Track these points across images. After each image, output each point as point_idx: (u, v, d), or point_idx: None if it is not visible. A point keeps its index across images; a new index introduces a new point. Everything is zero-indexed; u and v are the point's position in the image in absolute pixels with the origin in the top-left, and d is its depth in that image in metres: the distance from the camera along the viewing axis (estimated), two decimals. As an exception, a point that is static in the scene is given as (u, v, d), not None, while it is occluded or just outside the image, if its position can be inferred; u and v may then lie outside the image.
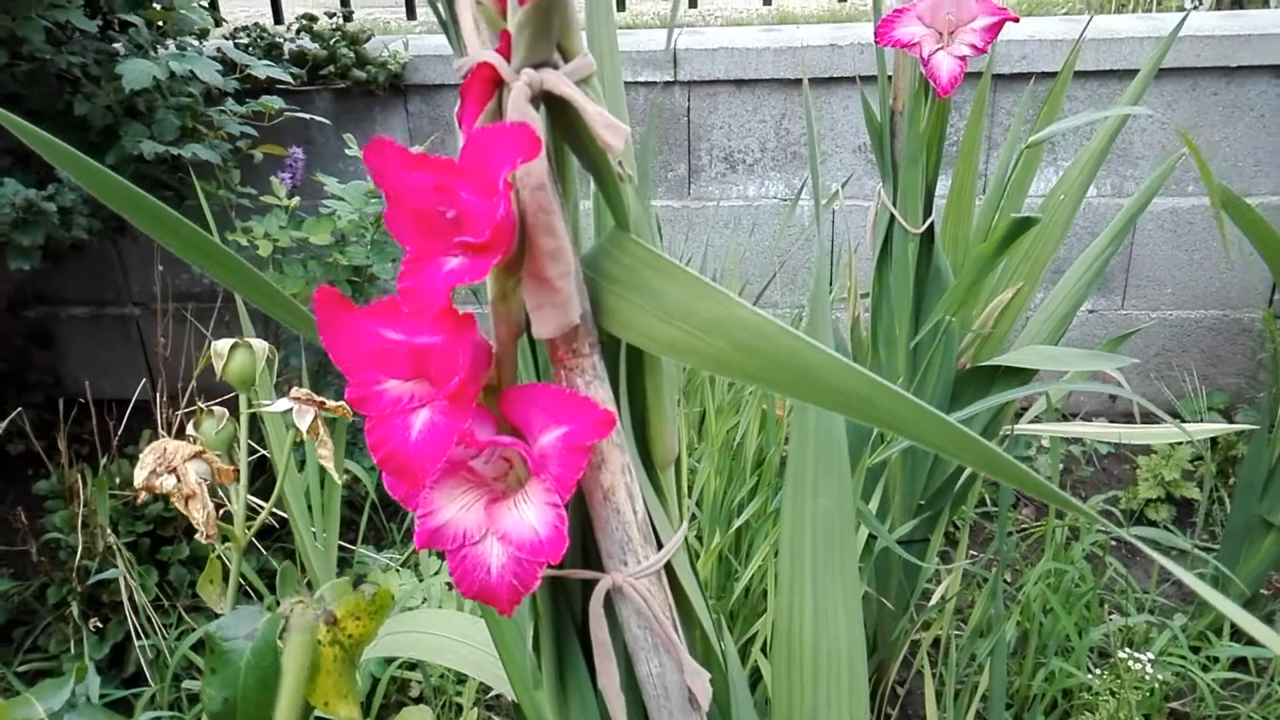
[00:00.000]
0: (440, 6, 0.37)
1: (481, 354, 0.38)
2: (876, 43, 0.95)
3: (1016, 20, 0.93)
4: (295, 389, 0.49)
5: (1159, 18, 1.80)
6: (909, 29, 0.94)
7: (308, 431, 0.49)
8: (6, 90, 1.39)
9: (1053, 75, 1.75)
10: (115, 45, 1.42)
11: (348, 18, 1.90)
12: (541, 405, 0.39)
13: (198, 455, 0.49)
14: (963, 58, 0.93)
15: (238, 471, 0.50)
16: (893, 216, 1.09)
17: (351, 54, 1.77)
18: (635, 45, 1.84)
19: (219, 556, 0.53)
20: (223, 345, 0.51)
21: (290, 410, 0.49)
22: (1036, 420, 1.29)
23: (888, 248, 1.13)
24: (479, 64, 0.35)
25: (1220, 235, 1.30)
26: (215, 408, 0.52)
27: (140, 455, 0.49)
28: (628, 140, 0.36)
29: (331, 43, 1.79)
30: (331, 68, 1.78)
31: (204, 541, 0.47)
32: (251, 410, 0.52)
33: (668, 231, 1.96)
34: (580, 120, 0.36)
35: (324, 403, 0.50)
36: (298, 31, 1.81)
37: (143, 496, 0.51)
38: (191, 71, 1.27)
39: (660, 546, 0.43)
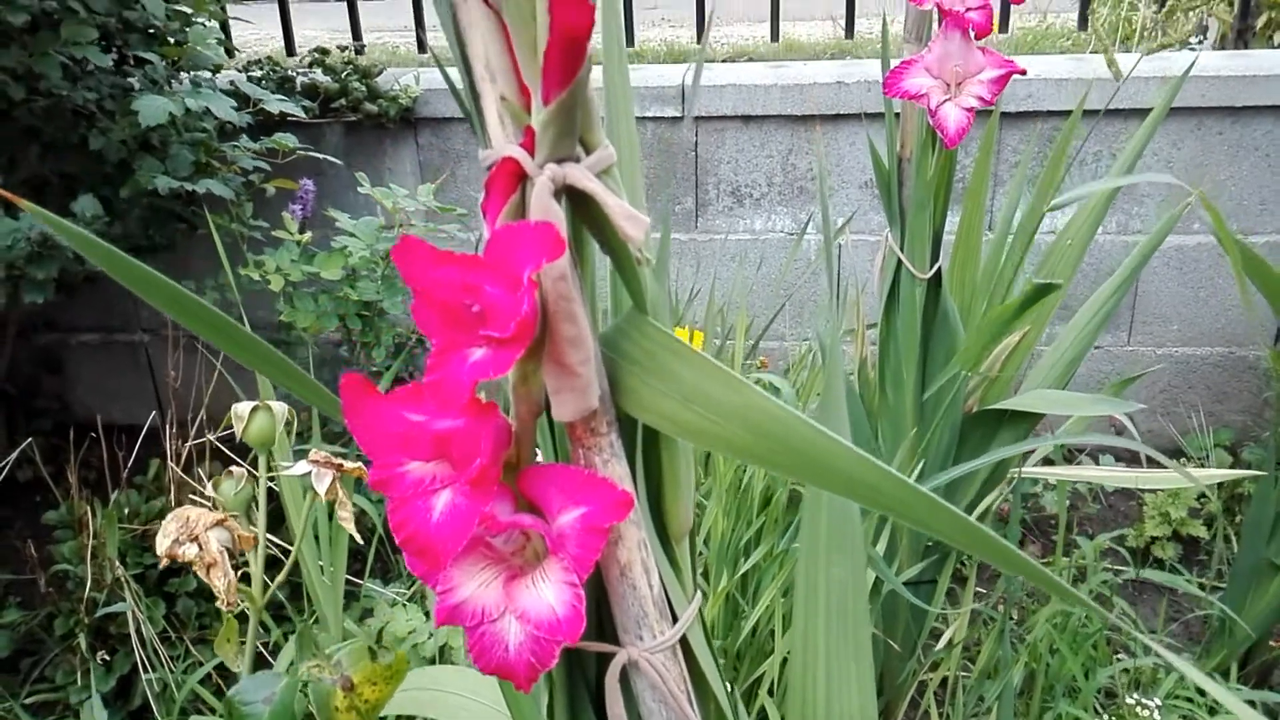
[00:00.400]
0: (465, 99, 0.38)
1: (503, 435, 0.39)
2: (885, 93, 0.96)
3: (1023, 73, 0.94)
4: (314, 451, 0.50)
5: (1165, 57, 1.82)
6: (917, 80, 0.95)
7: (325, 494, 0.50)
8: (24, 123, 1.41)
9: (1059, 114, 1.76)
10: (130, 79, 1.44)
11: (359, 51, 1.92)
12: (560, 485, 0.39)
13: (219, 523, 0.50)
14: (970, 109, 0.94)
15: (256, 539, 0.51)
16: (900, 261, 1.10)
17: (363, 88, 1.79)
18: (644, 81, 1.85)
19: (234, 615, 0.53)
20: (243, 408, 0.52)
21: (309, 474, 0.50)
22: (1045, 460, 1.29)
23: (895, 291, 1.13)
24: (504, 159, 0.36)
25: (1240, 291, 1.30)
26: (234, 468, 0.53)
27: (163, 522, 0.49)
28: (647, 230, 0.37)
29: (343, 76, 1.81)
30: (343, 101, 1.79)
31: (224, 610, 0.48)
32: (271, 475, 0.52)
33: (675, 264, 1.97)
34: (601, 211, 0.37)
35: (342, 465, 0.51)
36: (310, 65, 1.83)
37: (165, 554, 0.51)
38: (206, 108, 1.28)
39: (675, 619, 0.44)
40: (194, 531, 0.48)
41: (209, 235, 1.56)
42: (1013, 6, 2.04)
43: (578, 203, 0.38)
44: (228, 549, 0.48)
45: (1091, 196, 1.17)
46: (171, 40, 1.52)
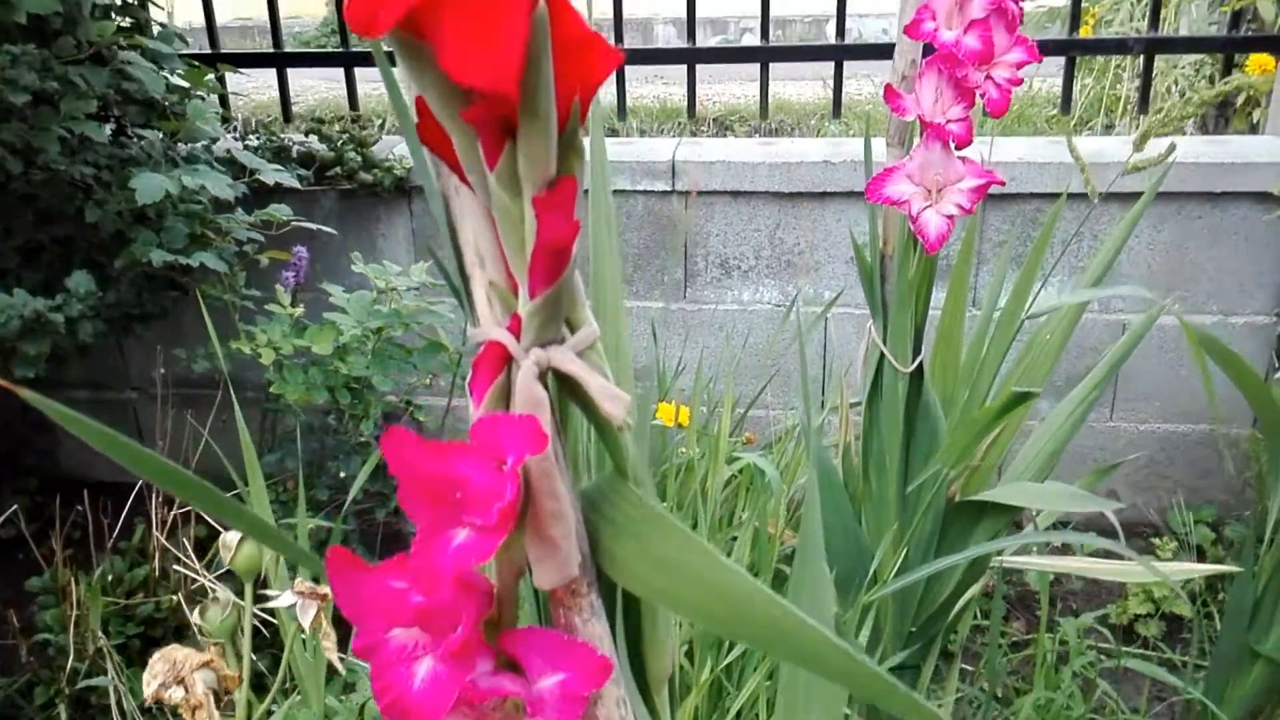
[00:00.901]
0: (455, 278, 0.40)
1: (484, 601, 0.40)
2: (867, 198, 0.99)
3: (1003, 184, 0.97)
4: (298, 581, 0.51)
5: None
6: (898, 187, 0.98)
7: (309, 626, 0.50)
8: (21, 192, 1.42)
9: (1041, 195, 1.80)
10: (128, 150, 1.46)
11: (355, 119, 1.95)
12: (540, 649, 0.40)
13: (205, 664, 0.51)
14: (950, 216, 0.97)
15: (241, 678, 0.52)
16: (883, 352, 1.12)
17: (358, 157, 1.81)
18: (635, 156, 1.89)
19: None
20: (231, 538, 0.53)
21: (294, 605, 0.50)
22: (1026, 545, 1.30)
23: (878, 381, 1.15)
24: (490, 342, 0.37)
25: (1204, 380, 1.33)
26: (220, 595, 0.54)
27: (151, 661, 0.50)
28: (629, 406, 0.38)
29: (339, 145, 1.83)
30: (338, 169, 1.82)
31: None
32: (258, 605, 0.53)
33: (663, 333, 1.99)
34: (583, 389, 0.38)
35: (326, 595, 0.52)
36: (306, 133, 1.86)
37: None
38: (203, 185, 1.30)
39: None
40: (180, 674, 0.49)
41: (203, 301, 1.58)
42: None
43: (563, 377, 0.39)
44: (214, 690, 0.49)
45: (1074, 292, 1.19)
46: (170, 113, 1.55)
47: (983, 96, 0.94)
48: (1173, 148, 1.09)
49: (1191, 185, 1.75)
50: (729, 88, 6.30)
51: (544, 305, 0.36)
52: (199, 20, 1.95)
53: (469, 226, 0.38)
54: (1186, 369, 1.88)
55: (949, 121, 0.96)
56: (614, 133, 2.50)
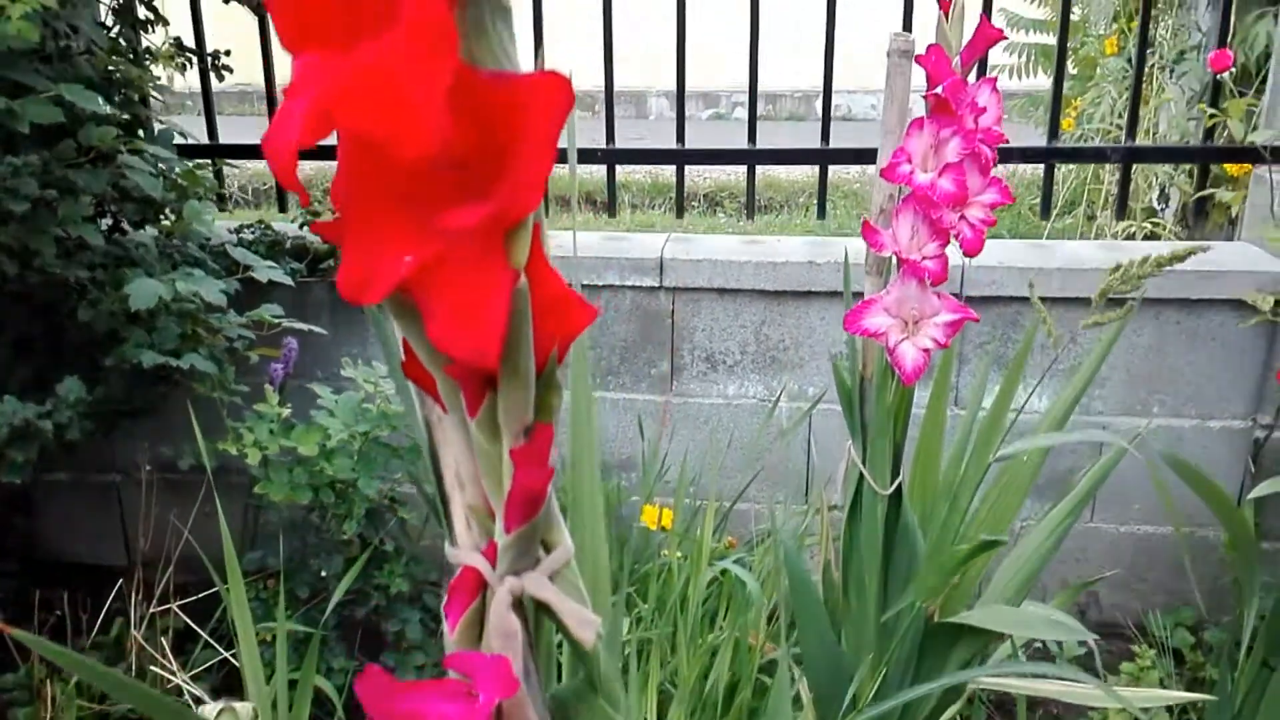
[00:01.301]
0: (435, 499, 0.42)
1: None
2: (845, 329, 1.01)
3: (976, 320, 0.99)
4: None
5: (1123, 247, 1.90)
6: (876, 319, 1.00)
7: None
8: (15, 290, 1.44)
9: (1020, 299, 1.83)
10: (123, 248, 1.48)
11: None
12: None
13: None
14: (926, 350, 0.99)
15: None
16: (862, 474, 1.14)
17: (351, 250, 1.84)
18: (624, 252, 1.92)
19: None
20: (210, 710, 0.54)
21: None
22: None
23: (858, 500, 1.17)
24: (466, 567, 0.39)
25: (1166, 506, 1.35)
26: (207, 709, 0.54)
27: None
28: (598, 627, 0.40)
29: (333, 236, 1.86)
30: (331, 261, 1.84)
31: None
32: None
33: (649, 424, 2.00)
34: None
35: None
36: (301, 225, 1.89)
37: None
38: (196, 292, 1.32)
39: None
40: None
41: (192, 394, 1.59)
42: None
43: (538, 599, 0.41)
44: None
45: (1050, 412, 1.22)
46: (167, 210, 1.57)
47: (957, 237, 0.97)
48: (1132, 309, 1.11)
49: (1169, 292, 1.79)
50: (721, 167, 6.42)
51: (518, 540, 0.38)
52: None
53: (450, 452, 0.40)
54: (1165, 470, 1.89)
55: (925, 259, 0.98)
56: (609, 208, 2.53)
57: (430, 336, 0.34)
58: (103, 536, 2.15)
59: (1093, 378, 1.19)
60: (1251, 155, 1.89)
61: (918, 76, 0.99)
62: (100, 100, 1.32)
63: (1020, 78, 4.23)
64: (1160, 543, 1.93)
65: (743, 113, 9.75)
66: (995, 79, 0.97)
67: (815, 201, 2.09)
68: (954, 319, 0.99)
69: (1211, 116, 1.76)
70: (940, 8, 0.97)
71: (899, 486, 1.14)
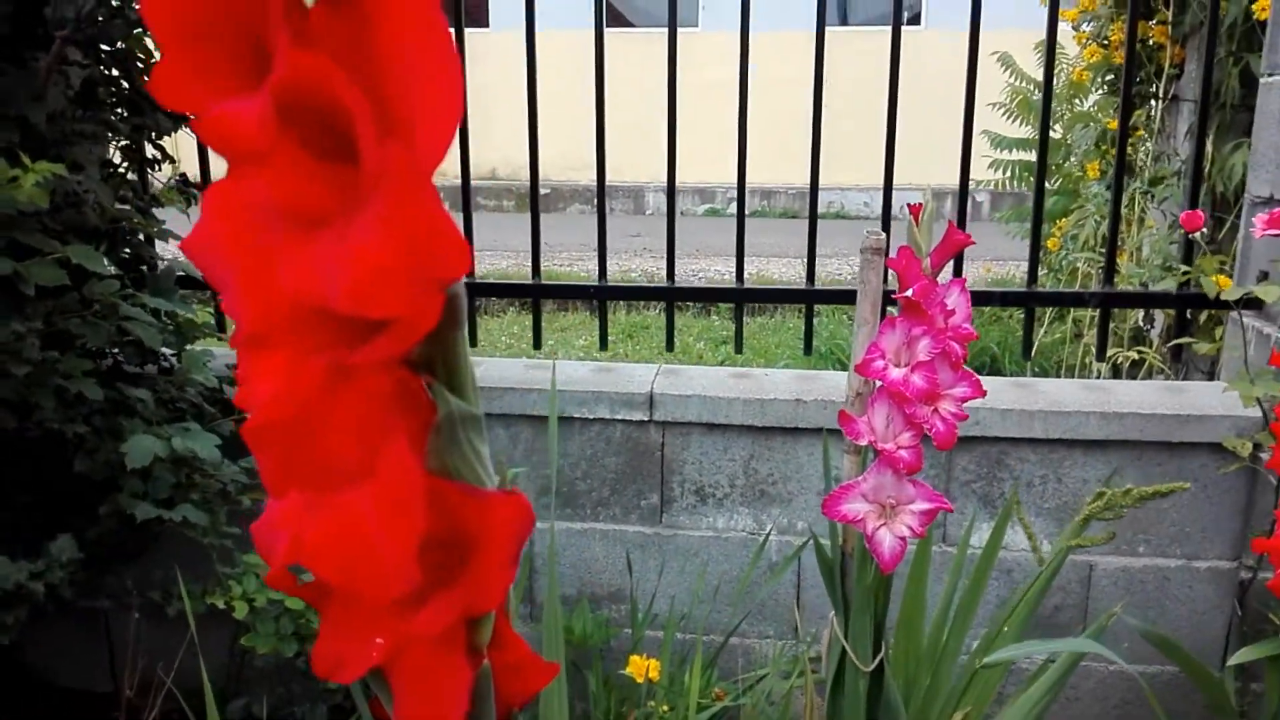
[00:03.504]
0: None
1: None
2: (824, 514, 1.04)
3: (950, 509, 1.02)
4: None
5: (1105, 388, 1.93)
6: (854, 505, 1.02)
7: None
8: (12, 440, 1.47)
9: (1005, 439, 1.86)
10: (122, 395, 1.51)
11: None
12: None
13: None
14: (903, 537, 1.01)
15: None
16: (844, 648, 1.15)
17: (346, 385, 1.87)
18: (615, 386, 1.95)
19: None
20: None
21: None
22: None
23: (841, 673, 1.17)
24: None
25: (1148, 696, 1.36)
26: None
27: None
28: None
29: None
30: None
31: None
32: None
33: (639, 556, 2.01)
34: None
35: None
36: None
37: None
38: (193, 451, 1.35)
39: None
40: None
41: (180, 538, 1.60)
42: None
43: None
44: None
45: (1042, 570, 1.23)
46: (166, 351, 1.61)
47: (929, 430, 1.00)
48: (1113, 535, 1.14)
49: (1151, 435, 1.82)
50: (713, 264, 6.53)
51: None
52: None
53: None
54: (1155, 610, 1.90)
55: (900, 448, 1.01)
56: (600, 341, 2.58)
57: (395, 718, 0.36)
58: (90, 663, 2.14)
59: (1051, 580, 1.21)
60: (1226, 302, 1.94)
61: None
62: (105, 261, 1.36)
63: (1005, 188, 4.33)
64: (1151, 682, 1.93)
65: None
66: (964, 280, 1.02)
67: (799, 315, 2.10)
68: (929, 508, 1.01)
69: (1185, 273, 1.81)
70: (910, 212, 1.02)
71: (881, 663, 1.15)
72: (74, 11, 1.35)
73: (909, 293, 0.98)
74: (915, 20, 10.14)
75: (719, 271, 6.01)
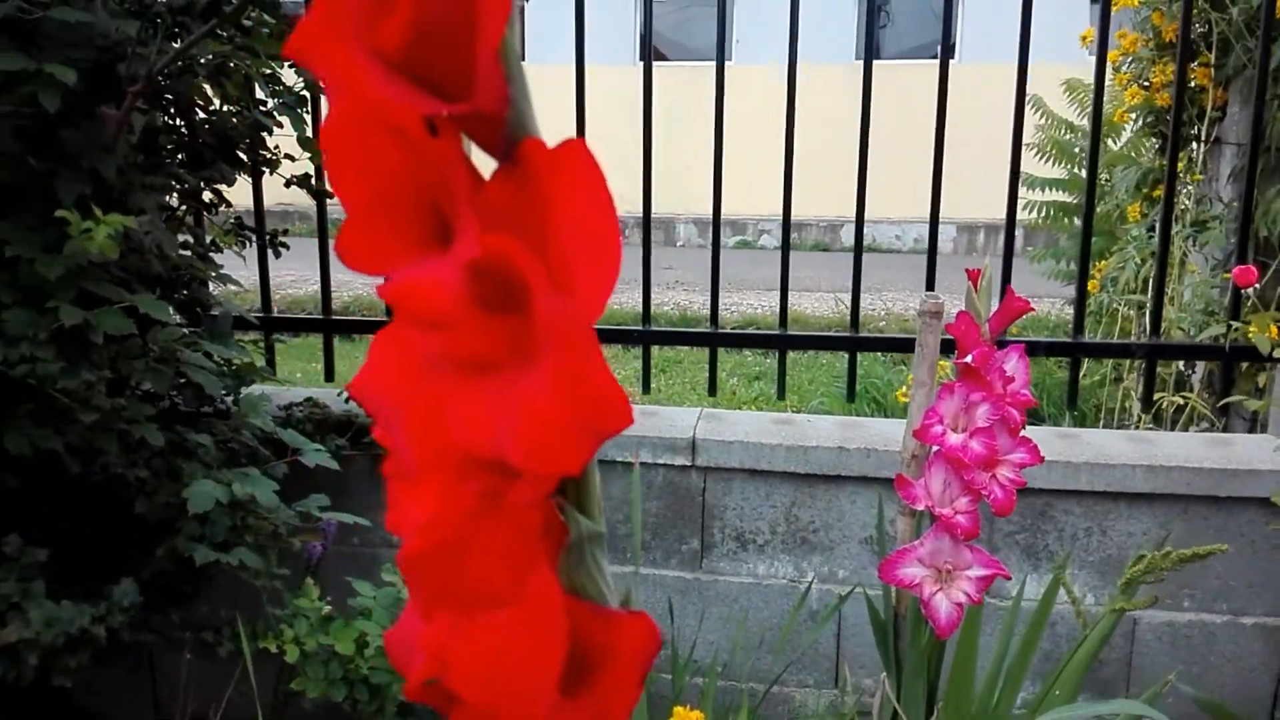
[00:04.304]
0: None
1: None
2: (880, 578, 1.04)
3: (1008, 577, 1.02)
4: None
5: (1151, 440, 1.92)
6: (910, 570, 1.03)
7: None
8: (76, 484, 1.50)
9: (1049, 491, 1.85)
10: (181, 437, 1.54)
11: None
12: None
13: None
14: (960, 604, 1.01)
15: None
16: (895, 709, 1.15)
17: (394, 427, 1.90)
18: (657, 430, 1.97)
19: None
20: None
21: None
22: None
23: (892, 733, 1.17)
24: None
25: None
26: None
27: None
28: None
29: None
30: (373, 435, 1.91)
31: None
32: None
33: (679, 601, 2.01)
34: None
35: None
36: (347, 400, 1.95)
37: None
38: (252, 495, 1.37)
39: None
40: None
41: (229, 578, 1.63)
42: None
43: None
44: None
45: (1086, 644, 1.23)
46: (225, 394, 1.64)
47: (987, 496, 1.01)
48: (1155, 599, 1.13)
49: (1198, 488, 1.81)
50: (747, 297, 6.55)
51: None
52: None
53: None
54: (1200, 665, 1.88)
55: (957, 514, 1.02)
56: (643, 384, 2.59)
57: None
58: (132, 696, 2.16)
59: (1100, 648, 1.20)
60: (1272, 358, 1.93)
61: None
62: (170, 310, 1.40)
63: (1038, 226, 4.32)
64: (1197, 739, 1.90)
65: (768, 240, 9.96)
66: (1023, 346, 1.02)
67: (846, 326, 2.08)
68: (986, 574, 1.01)
69: (1234, 327, 1.81)
70: (969, 278, 1.03)
71: (932, 722, 1.15)
72: (146, 69, 1.40)
73: (968, 359, 0.99)
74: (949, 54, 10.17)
75: (752, 306, 6.03)
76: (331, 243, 2.20)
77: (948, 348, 1.31)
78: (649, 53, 2.05)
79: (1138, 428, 2.99)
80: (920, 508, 1.03)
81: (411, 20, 0.23)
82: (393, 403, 0.31)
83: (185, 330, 1.49)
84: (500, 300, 0.29)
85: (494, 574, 0.33)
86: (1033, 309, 1.03)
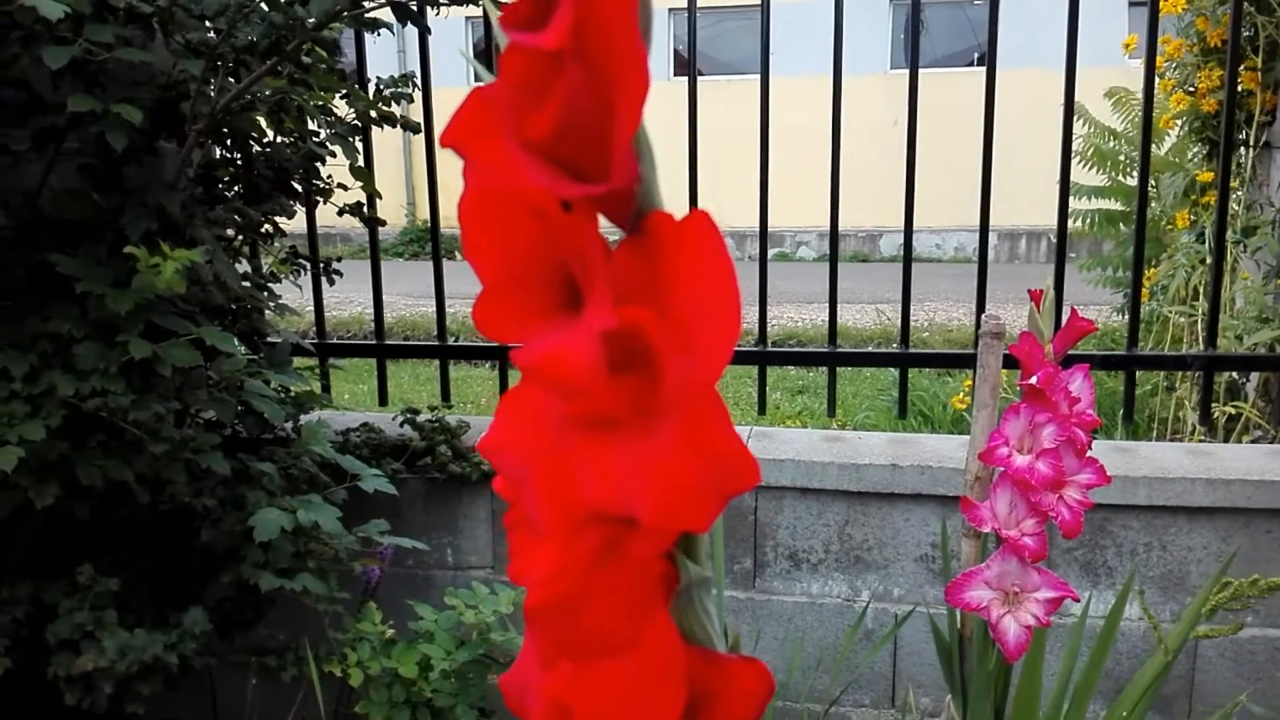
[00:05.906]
0: None
1: None
2: (947, 601, 1.04)
3: (1076, 599, 1.01)
4: None
5: (1210, 453, 1.90)
6: (977, 593, 1.03)
7: None
8: (142, 513, 1.53)
9: (1108, 506, 1.83)
10: (245, 464, 1.57)
11: (448, 407, 2.08)
12: None
13: None
14: (1028, 626, 1.01)
15: None
16: (963, 731, 1.14)
17: (448, 450, 1.92)
18: (709, 450, 1.97)
19: None
20: None
21: None
22: None
23: (958, 755, 1.17)
24: None
25: None
26: None
27: None
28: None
29: (430, 432, 1.95)
30: (429, 459, 1.93)
31: None
32: None
33: (733, 620, 2.01)
34: None
35: None
36: (401, 424, 1.98)
37: None
38: (316, 521, 1.40)
39: None
40: None
41: (289, 603, 1.66)
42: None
43: None
44: None
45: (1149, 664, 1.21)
46: (285, 421, 1.67)
47: (1055, 518, 1.00)
48: (1240, 625, 1.12)
49: (1259, 502, 1.78)
50: (787, 310, 6.53)
51: None
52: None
53: None
54: (1265, 680, 1.85)
55: (1024, 535, 1.01)
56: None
57: None
58: (192, 714, 2.20)
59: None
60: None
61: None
62: (235, 341, 1.43)
63: (1084, 234, 4.27)
64: (1265, 757, 1.86)
65: (806, 251, 9.94)
66: (1088, 366, 1.02)
67: (895, 341, 2.08)
68: (1055, 596, 1.01)
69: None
70: (1031, 298, 1.03)
71: (1000, 745, 1.14)
72: (209, 106, 1.43)
73: (1033, 380, 0.99)
74: (982, 62, 10.11)
75: (792, 319, 6.02)
76: (384, 270, 2.24)
77: (1006, 363, 1.30)
78: (694, 71, 2.06)
79: (1192, 438, 2.94)
80: (986, 529, 1.03)
81: (560, 114, 0.24)
82: (522, 461, 0.32)
83: (247, 360, 1.53)
84: (625, 362, 0.30)
85: (615, 623, 0.34)
86: (1095, 328, 1.03)
